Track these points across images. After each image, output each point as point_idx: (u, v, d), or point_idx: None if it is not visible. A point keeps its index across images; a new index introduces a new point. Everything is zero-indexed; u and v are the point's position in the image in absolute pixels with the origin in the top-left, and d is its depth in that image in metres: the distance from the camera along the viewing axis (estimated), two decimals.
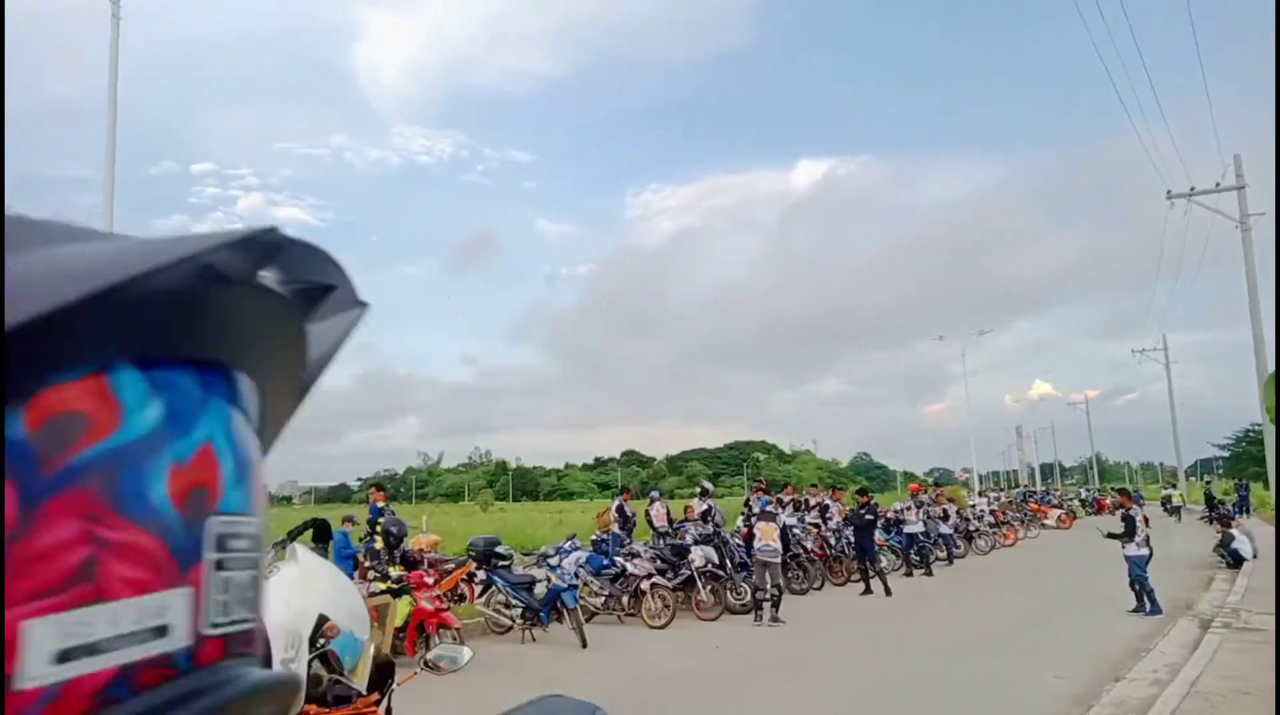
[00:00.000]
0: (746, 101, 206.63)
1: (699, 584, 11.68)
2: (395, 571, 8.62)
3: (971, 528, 21.43)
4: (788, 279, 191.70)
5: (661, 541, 13.20)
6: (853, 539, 14.24)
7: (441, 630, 8.44)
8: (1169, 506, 39.44)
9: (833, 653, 9.48)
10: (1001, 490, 45.73)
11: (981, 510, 23.99)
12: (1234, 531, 16.07)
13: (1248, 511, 32.23)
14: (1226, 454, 79.01)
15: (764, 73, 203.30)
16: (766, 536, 11.64)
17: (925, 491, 19.70)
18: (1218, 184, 28.71)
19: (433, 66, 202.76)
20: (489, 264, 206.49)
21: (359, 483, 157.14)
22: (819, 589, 14.45)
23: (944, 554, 18.89)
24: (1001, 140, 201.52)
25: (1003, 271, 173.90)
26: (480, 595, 10.97)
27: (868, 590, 13.51)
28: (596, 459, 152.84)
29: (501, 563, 10.45)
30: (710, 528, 12.83)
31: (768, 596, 11.40)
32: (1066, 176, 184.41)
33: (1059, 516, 31.27)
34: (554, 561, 10.01)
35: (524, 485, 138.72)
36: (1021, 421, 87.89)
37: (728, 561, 12.27)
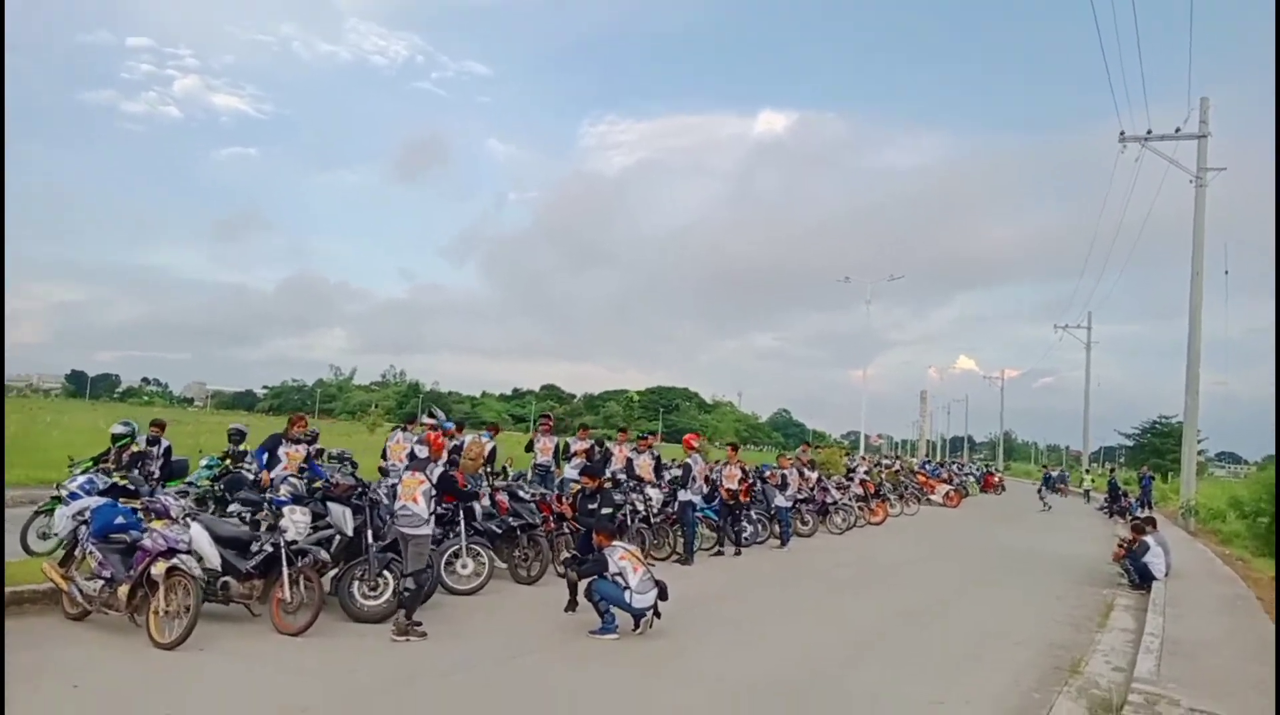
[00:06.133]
0: (716, 42, 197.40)
1: (285, 573, 6.85)
2: None
3: (829, 501, 17.21)
4: (737, 228, 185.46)
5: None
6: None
7: None
8: (1089, 495, 36.99)
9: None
10: (897, 457, 42.30)
11: (847, 480, 19.87)
12: (1147, 540, 11.99)
13: (1149, 505, 29.32)
14: (1131, 443, 78.32)
15: (737, 14, 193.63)
16: (406, 496, 6.97)
17: (700, 448, 13.32)
18: (1178, 129, 24.64)
19: None
20: (434, 178, 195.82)
21: (265, 391, 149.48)
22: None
23: (777, 532, 14.56)
24: (964, 114, 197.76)
25: (951, 245, 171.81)
26: None
27: (572, 605, 8.08)
28: (515, 390, 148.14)
29: None
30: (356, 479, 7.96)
31: (402, 592, 6.84)
32: (1026, 160, 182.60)
33: (947, 493, 27.60)
34: None
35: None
36: (941, 393, 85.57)
37: (367, 535, 7.48)
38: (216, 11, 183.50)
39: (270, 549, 6.88)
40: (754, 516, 14.28)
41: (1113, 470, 42.36)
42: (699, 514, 12.57)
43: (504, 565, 9.67)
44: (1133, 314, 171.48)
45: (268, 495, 7.49)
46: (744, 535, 13.58)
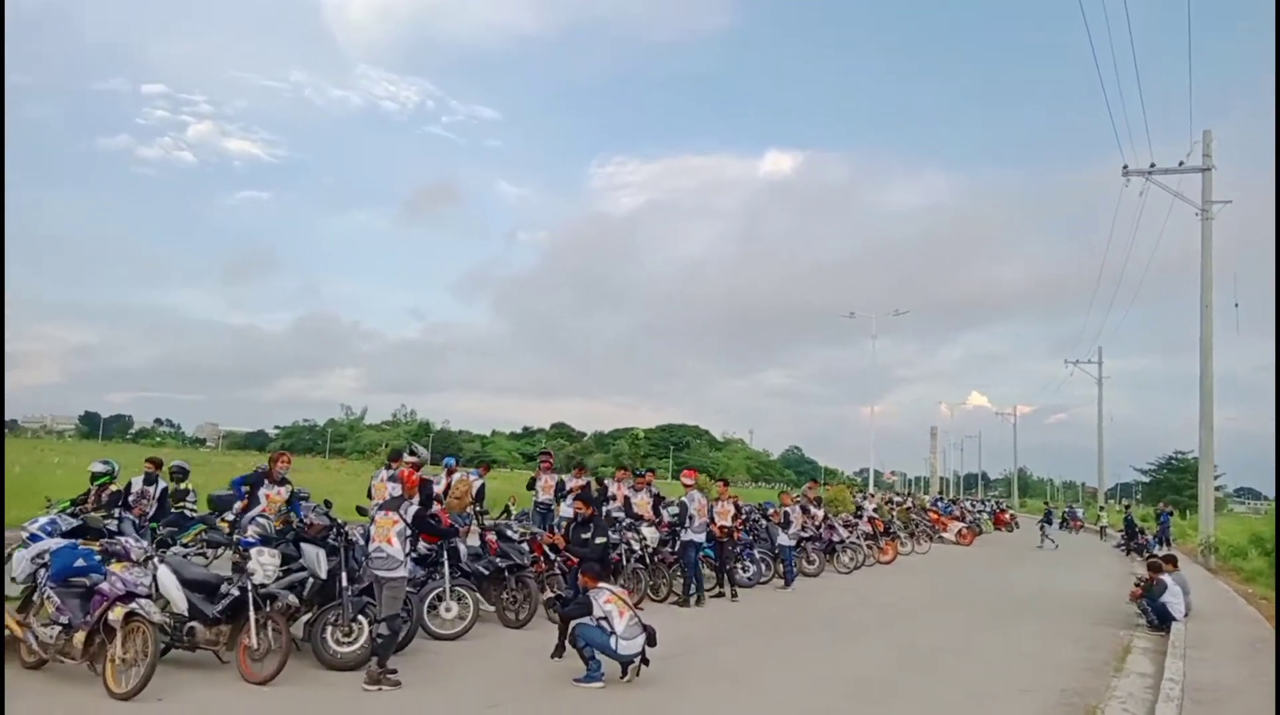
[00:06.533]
0: (721, 85, 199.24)
1: (251, 618, 6.54)
2: None
3: (835, 539, 16.74)
4: (746, 266, 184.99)
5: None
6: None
7: None
8: (1104, 531, 36.25)
9: None
10: (909, 495, 41.57)
11: (855, 518, 19.37)
12: (1165, 579, 11.50)
13: (1167, 542, 28.53)
14: (1147, 479, 76.95)
15: (741, 59, 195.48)
16: (380, 537, 6.70)
17: (699, 484, 12.56)
18: (1181, 163, 24.43)
19: (405, 7, 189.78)
20: (445, 219, 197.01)
21: (276, 431, 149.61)
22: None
23: (781, 571, 14.10)
24: (968, 152, 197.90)
25: (959, 281, 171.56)
26: None
27: (559, 650, 7.66)
28: (525, 428, 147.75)
29: None
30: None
31: (375, 638, 6.55)
32: (1031, 195, 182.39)
33: (959, 531, 26.96)
34: None
35: (445, 448, 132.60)
36: (953, 430, 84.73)
37: (341, 577, 7.17)
38: (229, 59, 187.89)
39: (237, 592, 6.58)
40: (757, 556, 13.85)
41: (1128, 507, 41.39)
42: (701, 554, 12.16)
43: (491, 608, 9.31)
44: (1143, 348, 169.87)
45: (235, 536, 7.19)
46: (746, 575, 13.13)
